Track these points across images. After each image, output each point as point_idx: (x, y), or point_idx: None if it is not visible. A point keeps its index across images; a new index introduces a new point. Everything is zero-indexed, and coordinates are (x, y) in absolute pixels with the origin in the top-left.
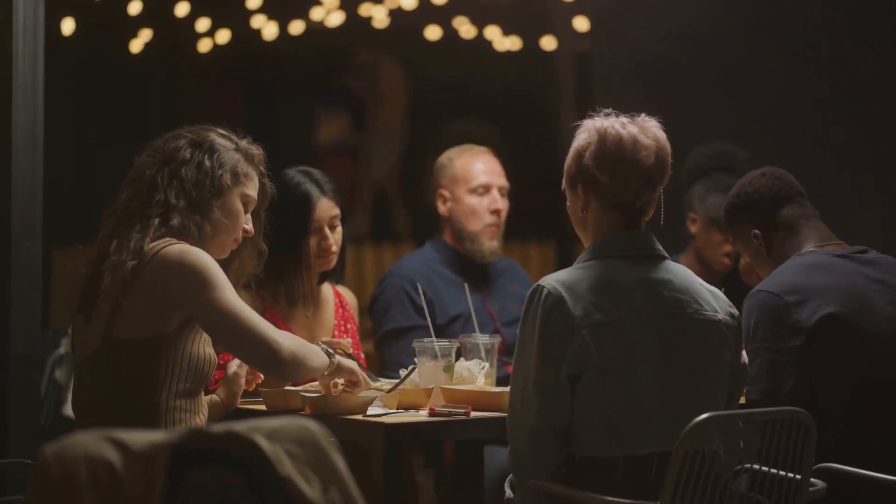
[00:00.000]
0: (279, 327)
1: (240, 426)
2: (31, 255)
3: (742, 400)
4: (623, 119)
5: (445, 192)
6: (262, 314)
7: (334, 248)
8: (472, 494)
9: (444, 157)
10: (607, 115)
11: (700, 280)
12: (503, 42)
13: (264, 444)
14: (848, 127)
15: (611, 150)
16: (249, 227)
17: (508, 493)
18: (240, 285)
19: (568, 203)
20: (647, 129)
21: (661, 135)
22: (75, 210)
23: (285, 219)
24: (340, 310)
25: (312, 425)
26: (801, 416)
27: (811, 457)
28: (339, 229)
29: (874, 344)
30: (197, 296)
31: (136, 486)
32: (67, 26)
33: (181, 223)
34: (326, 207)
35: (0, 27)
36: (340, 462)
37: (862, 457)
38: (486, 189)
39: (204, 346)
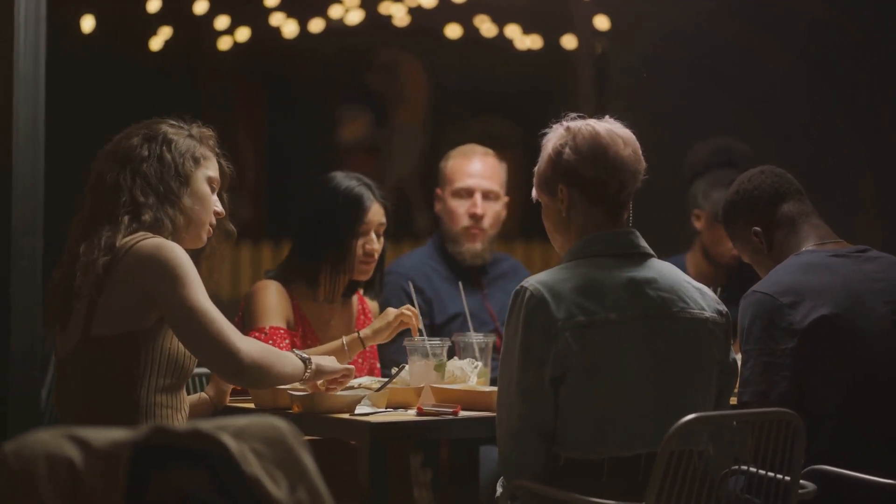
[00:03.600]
0: (303, 326)
1: (206, 424)
2: (32, 252)
3: (734, 401)
4: (590, 120)
5: (439, 192)
6: (289, 310)
7: (377, 255)
8: (467, 494)
9: (444, 157)
10: (573, 118)
11: (687, 277)
12: (524, 41)
13: (230, 442)
14: (857, 127)
15: (590, 144)
16: (220, 208)
17: (499, 491)
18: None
19: (543, 210)
20: (616, 126)
21: (631, 133)
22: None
23: (332, 219)
24: (362, 316)
25: (281, 424)
26: (789, 416)
27: (800, 458)
28: (382, 239)
29: (869, 344)
30: (167, 292)
31: (97, 483)
32: (87, 24)
33: (154, 217)
34: (378, 213)
35: (1, 22)
36: (309, 461)
37: (857, 458)
38: (469, 193)
39: None
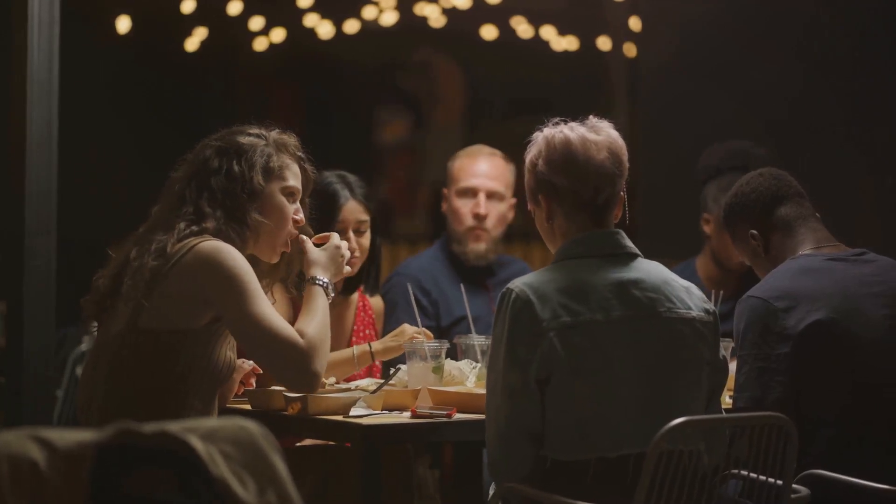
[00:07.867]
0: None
1: (174, 426)
2: (46, 252)
3: (728, 405)
4: (571, 124)
5: (445, 191)
6: (290, 310)
7: (356, 254)
8: (471, 496)
9: (452, 157)
10: (555, 123)
11: (675, 276)
12: (560, 42)
13: (197, 444)
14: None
15: (561, 152)
16: (300, 216)
17: (490, 493)
18: (288, 284)
19: (535, 219)
20: (596, 129)
21: (614, 132)
22: (130, 207)
23: (312, 218)
24: (362, 313)
25: (252, 426)
26: (781, 421)
27: (792, 462)
28: (367, 236)
29: (866, 348)
30: (231, 303)
31: (60, 485)
32: (123, 24)
33: (217, 227)
34: (354, 210)
35: (15, 24)
36: (280, 463)
37: (855, 463)
38: (473, 193)
39: (227, 349)
